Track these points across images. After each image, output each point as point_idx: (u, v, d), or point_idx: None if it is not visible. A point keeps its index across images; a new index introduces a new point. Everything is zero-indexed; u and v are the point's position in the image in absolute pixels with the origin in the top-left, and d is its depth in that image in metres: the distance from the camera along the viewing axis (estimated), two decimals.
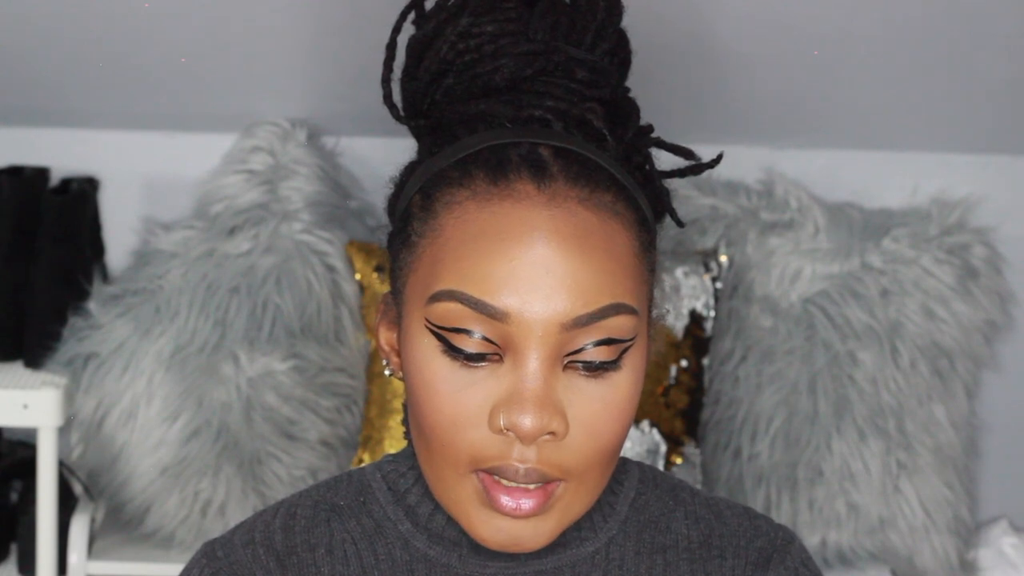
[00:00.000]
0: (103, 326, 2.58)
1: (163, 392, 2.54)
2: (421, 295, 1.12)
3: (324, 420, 2.60)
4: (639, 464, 1.26)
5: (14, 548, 2.61)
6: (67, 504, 2.55)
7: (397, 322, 1.17)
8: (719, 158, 1.24)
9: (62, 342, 2.58)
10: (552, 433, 1.09)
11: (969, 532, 2.70)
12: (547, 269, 1.08)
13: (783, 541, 1.24)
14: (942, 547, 2.63)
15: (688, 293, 2.55)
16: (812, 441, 2.60)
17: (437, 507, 1.19)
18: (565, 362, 1.10)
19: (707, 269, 2.56)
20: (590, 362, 1.10)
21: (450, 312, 1.09)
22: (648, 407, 2.51)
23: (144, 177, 2.81)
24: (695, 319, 2.55)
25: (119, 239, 2.78)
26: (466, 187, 1.12)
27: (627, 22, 1.24)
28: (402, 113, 1.20)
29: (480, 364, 1.10)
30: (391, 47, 1.20)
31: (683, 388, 2.54)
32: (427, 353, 1.11)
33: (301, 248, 2.61)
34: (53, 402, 2.46)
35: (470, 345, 1.09)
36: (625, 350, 1.11)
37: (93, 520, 2.58)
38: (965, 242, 2.70)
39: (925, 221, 2.70)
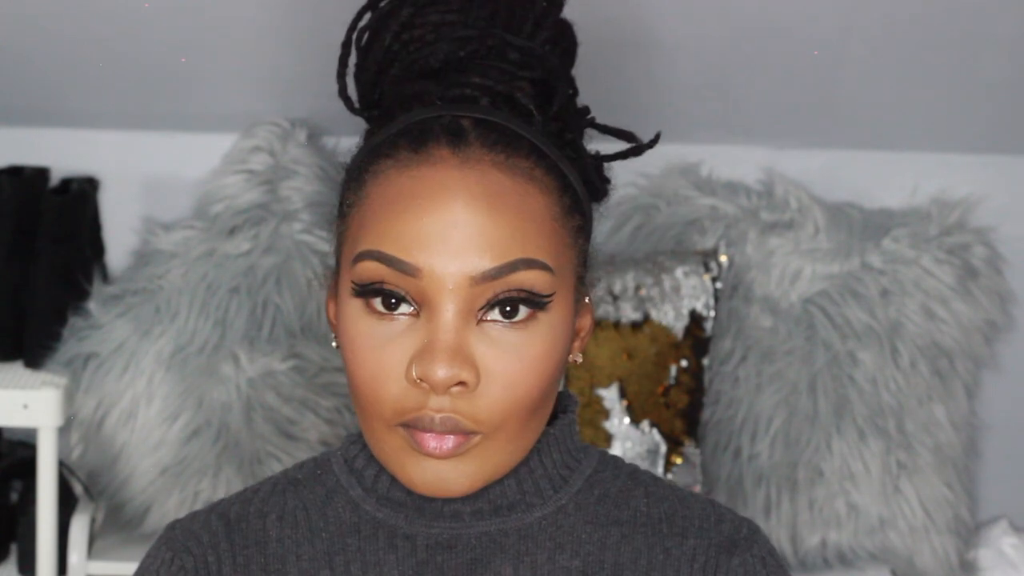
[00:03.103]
0: (103, 326, 2.58)
1: (163, 392, 2.54)
2: (349, 259, 1.19)
3: (324, 420, 2.60)
4: (602, 451, 1.30)
5: (14, 548, 2.61)
6: (67, 504, 2.55)
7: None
8: (657, 137, 1.27)
9: (62, 342, 2.58)
10: (463, 383, 1.14)
11: (969, 532, 2.70)
12: (456, 225, 1.13)
13: (749, 531, 1.26)
14: (942, 547, 2.63)
15: (688, 293, 2.55)
16: (812, 441, 2.60)
17: (382, 469, 1.24)
18: (479, 316, 1.15)
19: (707, 269, 2.56)
20: (503, 310, 1.14)
21: (370, 270, 1.15)
22: (648, 407, 2.51)
23: (144, 177, 2.81)
24: (695, 319, 2.55)
25: (119, 239, 2.78)
26: (391, 157, 1.18)
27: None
28: (357, 105, 1.26)
29: (398, 318, 1.15)
30: (346, 45, 1.27)
31: (683, 388, 2.54)
32: (353, 314, 1.17)
33: (301, 248, 2.61)
34: (53, 402, 2.46)
35: (389, 298, 1.15)
36: (541, 306, 1.15)
37: (93, 520, 2.58)
38: (965, 242, 2.70)
39: (925, 221, 2.70)
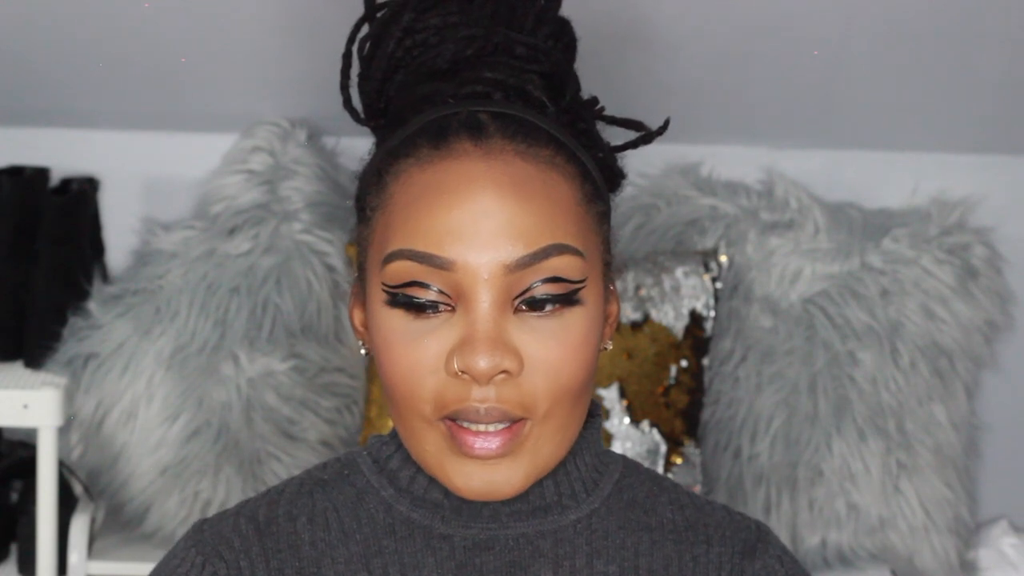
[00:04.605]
0: (103, 326, 2.58)
1: (163, 392, 2.54)
2: (377, 262, 1.16)
3: (324, 420, 2.60)
4: (623, 455, 1.30)
5: (14, 548, 2.61)
6: (67, 504, 2.55)
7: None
8: (666, 124, 1.27)
9: (62, 342, 2.58)
10: (506, 372, 1.13)
11: (969, 532, 2.70)
12: (486, 215, 1.13)
13: (762, 532, 1.27)
14: (942, 547, 2.63)
15: (688, 293, 2.55)
16: (812, 441, 2.60)
17: (419, 470, 1.22)
18: (515, 305, 1.14)
19: (707, 269, 2.56)
20: (539, 300, 1.14)
21: (401, 269, 1.14)
22: (648, 407, 2.51)
23: (144, 177, 2.81)
24: (695, 319, 2.55)
25: (119, 239, 2.78)
26: (411, 156, 1.17)
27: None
28: (362, 115, 1.25)
29: (434, 315, 1.14)
30: (347, 56, 1.26)
31: (683, 388, 2.54)
32: (385, 314, 1.15)
33: (301, 248, 2.61)
34: (53, 402, 2.46)
35: (424, 295, 1.14)
36: (576, 291, 1.15)
37: (93, 520, 2.58)
38: (965, 242, 2.70)
39: (925, 221, 2.70)
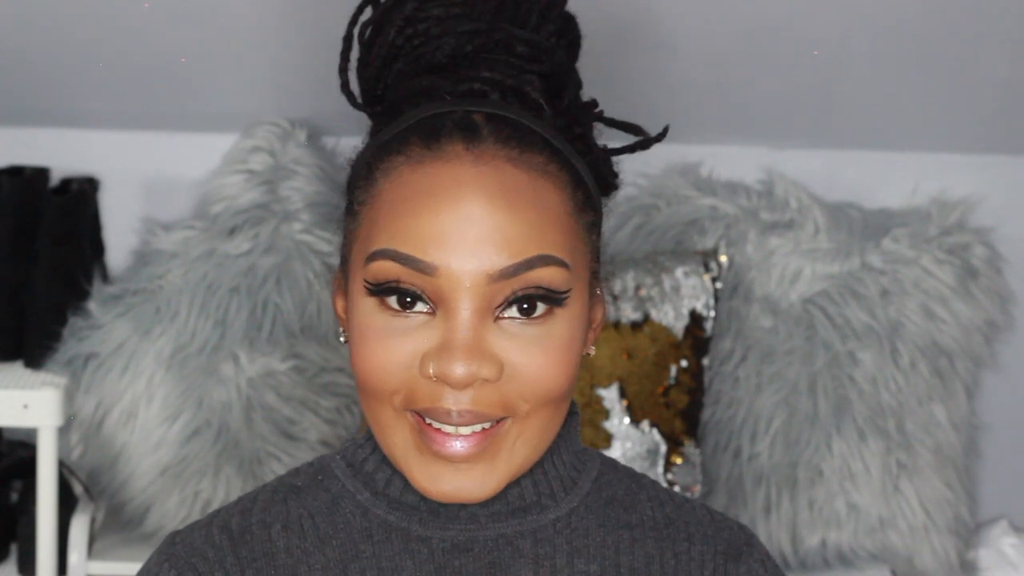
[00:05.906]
0: (103, 326, 2.58)
1: (163, 392, 2.54)
2: (361, 257, 1.15)
3: (324, 420, 2.60)
4: (600, 452, 1.29)
5: (14, 548, 2.61)
6: (67, 504, 2.55)
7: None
8: (665, 131, 1.26)
9: (62, 342, 2.58)
10: (485, 380, 1.12)
11: (969, 532, 2.70)
12: (472, 223, 1.12)
13: (747, 536, 1.27)
14: (942, 547, 2.63)
15: (688, 293, 2.55)
16: (812, 441, 2.60)
17: (395, 471, 1.21)
18: (496, 314, 1.13)
19: (707, 269, 2.56)
20: (520, 307, 1.13)
21: (384, 269, 1.13)
22: (648, 407, 2.51)
23: (144, 177, 2.81)
24: (695, 319, 2.55)
25: (119, 239, 2.78)
26: (402, 153, 1.16)
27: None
28: (359, 101, 1.24)
29: (413, 315, 1.13)
30: (347, 39, 1.25)
31: (683, 388, 2.54)
32: (365, 311, 1.15)
33: (301, 248, 2.61)
34: (53, 402, 2.46)
35: (404, 296, 1.13)
36: (559, 302, 1.14)
37: (93, 520, 2.58)
38: (965, 242, 2.70)
39: (925, 221, 2.70)
